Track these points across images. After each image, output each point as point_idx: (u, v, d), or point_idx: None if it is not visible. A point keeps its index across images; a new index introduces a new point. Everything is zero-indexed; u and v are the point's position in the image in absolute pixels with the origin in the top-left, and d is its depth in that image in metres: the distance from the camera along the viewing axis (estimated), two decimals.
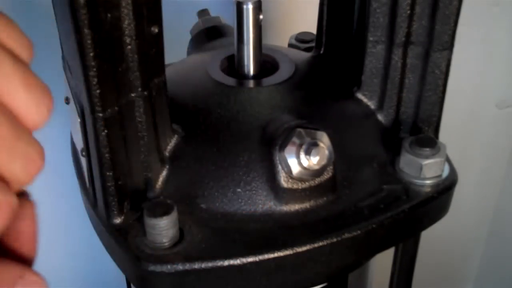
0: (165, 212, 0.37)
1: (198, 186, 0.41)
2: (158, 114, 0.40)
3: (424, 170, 0.43)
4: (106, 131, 0.36)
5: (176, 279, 0.37)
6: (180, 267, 0.37)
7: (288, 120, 0.41)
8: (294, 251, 0.38)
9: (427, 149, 0.43)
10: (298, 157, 0.39)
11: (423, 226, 0.45)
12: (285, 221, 0.40)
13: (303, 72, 0.48)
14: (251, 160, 0.41)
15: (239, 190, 0.41)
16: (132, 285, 0.51)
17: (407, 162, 0.43)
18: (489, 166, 1.04)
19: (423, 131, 0.46)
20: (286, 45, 0.58)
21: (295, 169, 0.39)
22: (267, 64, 0.49)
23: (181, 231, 0.39)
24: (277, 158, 0.40)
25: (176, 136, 0.43)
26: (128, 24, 0.35)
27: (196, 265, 0.37)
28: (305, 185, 0.40)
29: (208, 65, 0.48)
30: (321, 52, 0.52)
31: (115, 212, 0.39)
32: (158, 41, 0.37)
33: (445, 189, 0.44)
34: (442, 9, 0.42)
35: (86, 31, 0.33)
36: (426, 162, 0.43)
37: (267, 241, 0.39)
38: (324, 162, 0.39)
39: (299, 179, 0.40)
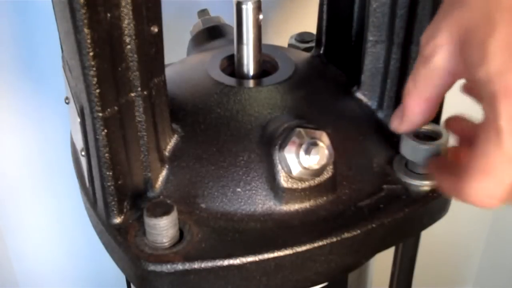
0: (165, 212, 0.37)
1: (198, 185, 0.41)
2: (158, 113, 0.40)
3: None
4: (105, 130, 0.37)
5: (176, 279, 0.37)
6: (180, 267, 0.37)
7: (287, 119, 0.41)
8: (294, 251, 0.38)
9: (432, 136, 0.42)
10: (298, 156, 0.39)
11: (423, 226, 0.45)
12: (285, 221, 0.40)
13: (303, 72, 0.48)
14: (251, 159, 0.41)
15: (239, 189, 0.41)
16: (132, 285, 0.51)
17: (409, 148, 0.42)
18: None
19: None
20: (286, 45, 0.58)
21: (295, 168, 0.39)
22: (267, 64, 0.49)
23: (181, 231, 0.39)
24: (277, 157, 0.40)
25: (176, 135, 0.43)
26: (127, 23, 0.35)
27: (196, 265, 0.37)
28: (305, 184, 0.40)
29: (208, 65, 0.48)
30: (321, 52, 0.52)
31: (115, 212, 0.40)
32: (158, 40, 0.37)
33: None
34: None
35: (85, 30, 0.33)
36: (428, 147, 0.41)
37: (266, 241, 0.39)
38: (324, 161, 0.39)
39: (299, 178, 0.40)
